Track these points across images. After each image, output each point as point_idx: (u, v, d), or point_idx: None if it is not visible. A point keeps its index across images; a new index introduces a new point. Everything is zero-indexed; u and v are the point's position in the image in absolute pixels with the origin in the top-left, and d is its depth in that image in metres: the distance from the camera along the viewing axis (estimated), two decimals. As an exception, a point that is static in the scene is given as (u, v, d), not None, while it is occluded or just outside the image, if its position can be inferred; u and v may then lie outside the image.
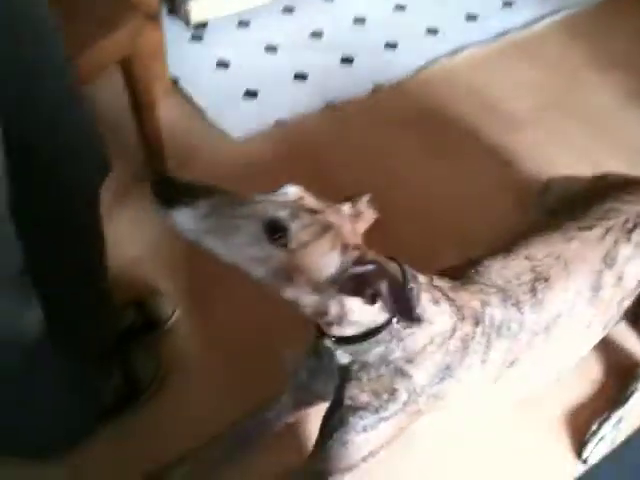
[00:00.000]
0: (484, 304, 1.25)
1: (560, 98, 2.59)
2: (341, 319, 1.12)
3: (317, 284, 1.06)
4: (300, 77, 2.61)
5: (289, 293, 1.08)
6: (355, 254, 1.04)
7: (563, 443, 1.63)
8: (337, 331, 1.15)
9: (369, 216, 1.19)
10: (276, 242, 1.01)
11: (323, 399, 1.38)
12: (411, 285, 1.12)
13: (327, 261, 1.04)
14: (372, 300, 1.02)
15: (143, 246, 2.00)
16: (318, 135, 2.40)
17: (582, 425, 1.64)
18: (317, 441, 1.33)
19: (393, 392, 1.20)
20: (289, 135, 2.39)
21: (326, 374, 1.30)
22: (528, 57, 2.74)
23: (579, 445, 1.61)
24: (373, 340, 1.14)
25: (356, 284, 1.02)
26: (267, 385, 1.54)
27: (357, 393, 1.21)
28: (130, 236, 2.01)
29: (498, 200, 2.19)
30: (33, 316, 1.23)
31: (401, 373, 1.19)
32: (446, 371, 1.23)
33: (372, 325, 1.13)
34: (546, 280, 1.32)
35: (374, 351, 1.16)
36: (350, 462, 1.32)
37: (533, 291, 1.30)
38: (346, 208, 1.15)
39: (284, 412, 1.53)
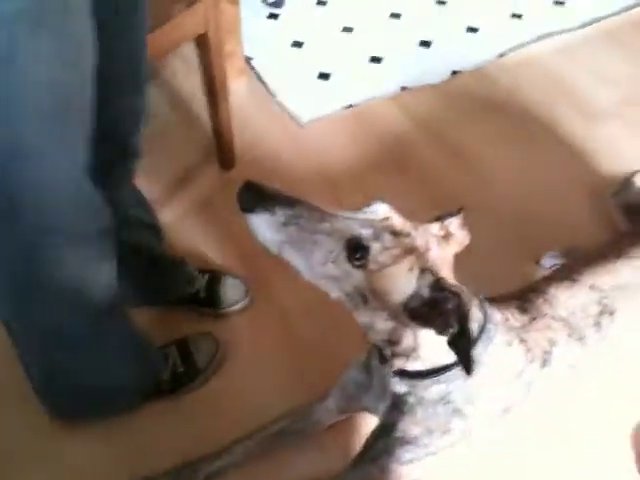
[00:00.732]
0: (552, 344, 1.21)
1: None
2: (411, 352, 1.07)
3: (391, 308, 1.01)
4: (375, 60, 2.54)
5: (364, 316, 1.04)
6: (432, 278, 0.98)
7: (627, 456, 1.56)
8: (401, 364, 1.11)
9: (461, 238, 1.11)
10: (355, 262, 0.97)
11: (369, 412, 1.35)
12: (489, 325, 1.08)
13: (402, 284, 0.98)
14: (442, 330, 0.95)
15: (212, 229, 2.00)
16: (391, 121, 2.34)
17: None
18: (356, 460, 1.30)
19: (447, 432, 1.17)
20: (361, 120, 2.34)
21: (375, 393, 1.27)
22: (619, 47, 2.60)
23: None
24: (435, 379, 1.09)
25: (428, 311, 0.97)
26: (322, 381, 1.52)
27: (409, 427, 1.17)
28: (197, 216, 2.02)
29: (570, 194, 2.10)
30: (109, 273, 1.25)
31: (459, 414, 1.14)
32: (504, 413, 1.20)
33: (439, 364, 1.08)
34: (611, 314, 1.26)
35: (434, 389, 1.11)
36: None
37: (597, 325, 1.25)
38: (435, 229, 1.08)
39: (327, 416, 1.50)
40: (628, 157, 2.17)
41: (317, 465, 1.48)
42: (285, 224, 0.97)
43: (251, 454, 1.48)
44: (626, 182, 1.84)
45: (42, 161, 0.98)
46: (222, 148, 2.10)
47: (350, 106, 2.37)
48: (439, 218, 1.11)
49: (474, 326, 1.07)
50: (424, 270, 0.98)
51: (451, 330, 0.93)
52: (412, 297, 0.98)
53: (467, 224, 1.12)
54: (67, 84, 0.95)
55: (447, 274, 1.02)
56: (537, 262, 1.89)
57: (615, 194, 1.86)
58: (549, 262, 1.87)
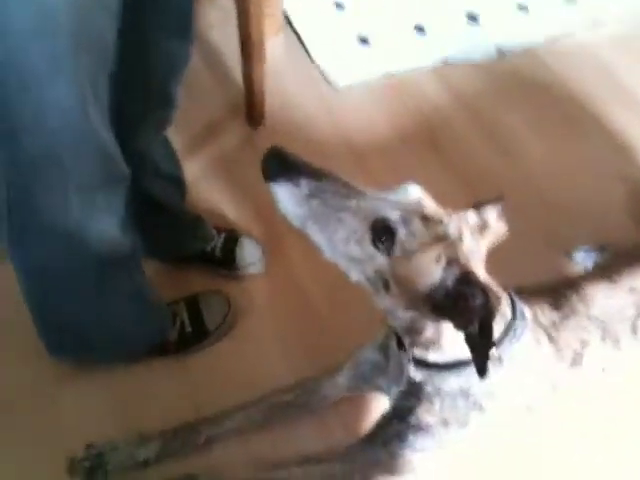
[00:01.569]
0: (584, 345, 1.16)
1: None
2: (432, 343, 1.03)
3: (413, 298, 0.95)
4: (419, 29, 2.44)
5: (385, 302, 0.99)
6: (459, 271, 0.92)
7: None
8: (421, 353, 1.07)
9: (499, 230, 1.05)
10: (380, 245, 0.92)
11: (381, 393, 1.31)
12: (517, 322, 1.04)
13: (427, 275, 0.92)
14: (463, 327, 0.90)
15: (234, 187, 1.93)
16: (430, 94, 2.25)
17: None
18: (365, 441, 1.26)
19: (463, 424, 1.12)
20: (398, 90, 2.25)
21: (391, 375, 1.22)
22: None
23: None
24: (455, 371, 1.05)
25: (452, 305, 0.91)
26: (332, 356, 1.47)
27: (425, 415, 1.13)
28: (220, 172, 1.96)
29: (608, 188, 2.01)
30: (115, 227, 1.20)
31: (478, 408, 1.10)
32: (527, 411, 1.16)
33: (460, 358, 1.03)
34: None
35: (453, 381, 1.07)
36: (392, 473, 1.27)
37: (634, 330, 1.20)
38: (471, 218, 1.02)
39: (335, 392, 1.46)
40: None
41: (318, 441, 1.43)
42: (309, 197, 0.92)
43: (253, 422, 1.43)
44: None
45: (43, 93, 0.91)
46: (252, 105, 2.02)
47: (389, 74, 2.28)
48: (477, 205, 1.04)
49: (500, 323, 1.02)
50: (452, 261, 0.92)
51: (471, 328, 0.88)
52: (436, 289, 0.92)
53: (506, 215, 1.06)
54: (79, 9, 0.87)
55: (477, 268, 0.96)
56: (567, 253, 1.81)
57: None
58: (581, 257, 1.79)
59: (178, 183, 1.64)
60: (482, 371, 0.88)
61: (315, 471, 1.31)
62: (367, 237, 0.91)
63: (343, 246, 0.93)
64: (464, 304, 0.89)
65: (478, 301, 0.88)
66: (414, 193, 0.96)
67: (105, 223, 1.16)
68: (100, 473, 1.36)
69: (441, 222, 0.93)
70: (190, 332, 1.56)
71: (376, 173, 1.96)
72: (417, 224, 0.91)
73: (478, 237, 1.00)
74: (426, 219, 0.92)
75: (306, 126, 2.08)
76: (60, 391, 1.50)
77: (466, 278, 0.91)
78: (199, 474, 1.34)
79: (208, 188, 1.92)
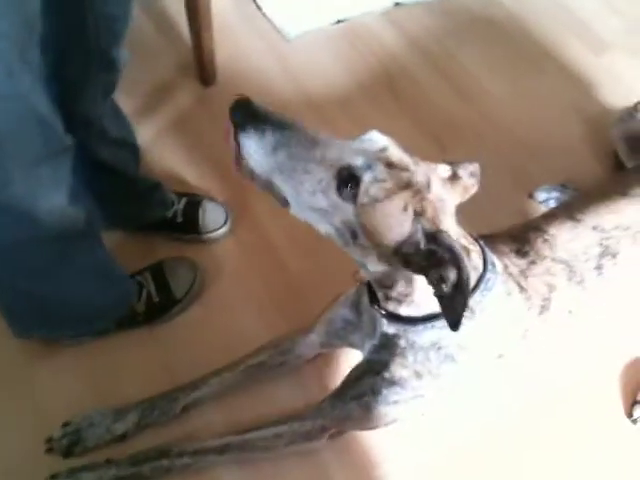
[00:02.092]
0: (551, 289, 1.17)
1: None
2: (404, 297, 1.03)
3: (382, 249, 0.94)
4: (368, -28, 2.37)
5: (355, 253, 0.98)
6: (429, 226, 0.91)
7: (615, 399, 1.54)
8: (393, 307, 1.06)
9: (469, 184, 1.04)
10: (345, 193, 0.90)
11: (355, 348, 1.31)
12: (488, 275, 1.04)
13: (394, 224, 0.91)
14: (436, 284, 0.89)
15: (191, 149, 1.88)
16: (383, 39, 2.21)
17: (637, 384, 1.54)
18: (336, 395, 1.27)
19: (436, 376, 1.13)
20: (351, 37, 2.21)
21: (364, 331, 1.22)
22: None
23: (631, 403, 1.52)
24: (429, 325, 1.05)
25: (423, 261, 0.91)
26: (305, 313, 1.46)
27: (399, 369, 1.13)
28: (175, 134, 1.90)
29: (570, 125, 2.02)
30: (63, 199, 1.14)
31: (451, 360, 1.11)
32: (498, 359, 1.17)
33: (434, 311, 1.03)
34: (614, 256, 1.21)
35: (427, 334, 1.07)
36: (366, 426, 1.30)
37: (599, 269, 1.20)
38: (443, 170, 1.01)
39: (309, 350, 1.45)
40: (631, 88, 2.09)
41: (296, 398, 1.44)
42: (275, 148, 0.90)
43: (229, 386, 1.43)
44: (629, 112, 1.75)
45: None
46: (202, 64, 1.96)
47: (340, 21, 2.23)
48: (451, 162, 1.04)
49: (472, 276, 1.01)
50: (420, 213, 0.91)
51: (443, 286, 0.88)
52: (405, 242, 0.92)
53: (480, 177, 1.05)
54: None
55: (446, 219, 0.95)
56: (530, 196, 1.82)
57: (617, 124, 1.78)
58: (543, 196, 1.80)
59: (131, 148, 1.59)
60: (456, 325, 0.88)
61: (286, 430, 1.32)
62: (332, 186, 0.90)
63: (309, 197, 0.92)
64: (436, 262, 0.89)
65: (448, 257, 0.87)
66: (379, 140, 0.94)
67: (53, 196, 1.12)
68: (78, 449, 1.35)
69: (407, 169, 0.92)
70: (158, 301, 1.53)
71: (336, 123, 1.93)
72: (381, 170, 0.90)
73: (448, 188, 0.99)
74: (391, 165, 0.91)
75: (260, 80, 2.02)
76: (32, 372, 1.48)
77: (436, 236, 0.90)
78: (172, 445, 1.33)
79: (164, 152, 1.86)
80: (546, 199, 1.79)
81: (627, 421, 1.51)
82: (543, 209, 1.74)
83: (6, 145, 0.97)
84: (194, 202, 1.69)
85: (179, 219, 1.66)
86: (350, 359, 1.46)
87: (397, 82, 2.09)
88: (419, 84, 2.09)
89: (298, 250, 1.69)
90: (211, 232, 1.68)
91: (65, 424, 1.37)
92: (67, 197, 1.15)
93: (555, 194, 1.79)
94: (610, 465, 1.45)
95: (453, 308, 0.88)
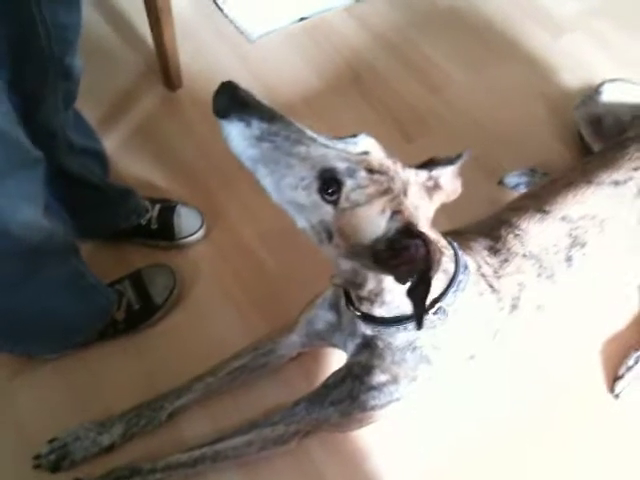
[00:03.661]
0: (521, 288, 1.19)
1: (613, 4, 2.35)
2: (375, 297, 1.04)
3: (355, 249, 0.95)
4: (327, -31, 2.37)
5: (328, 252, 0.98)
6: (402, 222, 0.92)
7: (597, 375, 1.56)
8: (367, 308, 1.08)
9: (450, 191, 1.05)
10: (327, 196, 0.90)
11: (337, 348, 1.32)
12: (460, 276, 1.06)
13: (370, 227, 0.92)
14: (403, 279, 0.90)
15: (161, 155, 1.87)
16: (346, 34, 2.22)
17: (618, 359, 1.56)
18: (313, 399, 1.27)
19: (413, 379, 1.15)
20: (314, 34, 2.21)
21: (345, 332, 1.23)
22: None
23: (613, 379, 1.54)
24: (402, 326, 1.07)
25: (392, 256, 0.91)
26: (284, 313, 1.47)
27: (377, 372, 1.15)
28: (143, 141, 1.89)
29: (533, 111, 2.04)
30: (33, 213, 1.13)
31: (426, 360, 1.13)
32: (469, 360, 1.19)
33: (405, 312, 1.05)
34: (582, 246, 1.24)
35: (401, 335, 1.09)
36: (341, 430, 1.32)
37: (569, 260, 1.23)
38: (422, 176, 1.01)
39: (291, 350, 1.46)
40: (592, 70, 2.12)
41: (283, 397, 1.43)
42: (259, 139, 0.88)
43: (214, 390, 1.43)
44: (590, 95, 1.78)
45: None
46: (166, 67, 1.95)
47: (302, 19, 2.23)
48: (433, 162, 1.05)
49: (443, 278, 1.04)
50: (396, 213, 0.92)
51: (411, 281, 0.89)
52: (379, 240, 0.93)
53: (462, 174, 1.06)
54: None
55: (421, 223, 0.96)
56: (500, 182, 1.84)
57: (579, 107, 1.80)
58: (513, 181, 1.82)
59: (98, 157, 1.58)
60: (419, 324, 0.89)
61: (257, 437, 1.30)
62: (314, 186, 0.90)
63: (290, 192, 0.92)
64: (404, 255, 0.89)
65: (419, 252, 0.88)
66: (363, 144, 0.94)
67: (25, 210, 1.10)
68: (66, 463, 1.34)
69: (387, 174, 0.92)
70: (138, 309, 1.53)
71: (303, 121, 1.91)
72: (363, 175, 0.90)
73: (424, 196, 1.00)
74: (372, 171, 0.91)
75: (223, 78, 2.01)
76: (13, 388, 1.46)
77: (407, 229, 0.91)
78: (143, 463, 1.31)
79: (134, 158, 1.85)
80: (516, 184, 1.81)
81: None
82: (514, 195, 1.77)
83: None
84: (168, 208, 1.69)
85: (154, 226, 1.65)
86: (334, 356, 1.47)
87: (362, 76, 2.10)
88: (384, 77, 2.10)
89: (274, 250, 1.70)
90: (187, 237, 1.67)
91: (51, 440, 1.36)
92: (40, 211, 1.14)
93: (525, 179, 1.81)
94: (600, 445, 1.47)
95: (417, 299, 0.88)
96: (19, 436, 1.40)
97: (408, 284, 0.89)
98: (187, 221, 1.68)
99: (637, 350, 1.55)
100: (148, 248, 1.67)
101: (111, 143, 1.85)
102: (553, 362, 1.55)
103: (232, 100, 0.87)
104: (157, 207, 1.68)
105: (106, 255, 1.66)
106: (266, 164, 0.90)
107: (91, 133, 1.55)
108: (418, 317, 0.89)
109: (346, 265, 1.00)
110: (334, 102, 2.02)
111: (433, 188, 1.02)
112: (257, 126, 0.87)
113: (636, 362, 1.54)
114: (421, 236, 0.89)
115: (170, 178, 1.82)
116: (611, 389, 1.53)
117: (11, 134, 1.01)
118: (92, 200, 1.54)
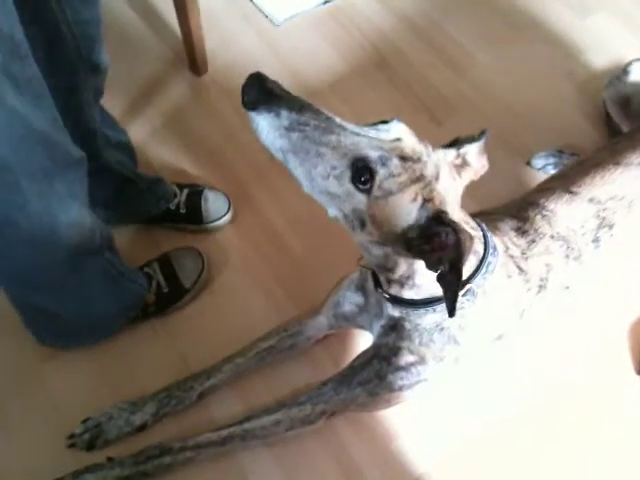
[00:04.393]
0: (549, 269, 1.19)
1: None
2: (406, 280, 1.05)
3: (388, 236, 0.95)
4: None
5: (360, 238, 0.99)
6: (433, 210, 0.92)
7: (623, 356, 1.56)
8: (396, 291, 1.08)
9: (478, 168, 1.05)
10: (359, 185, 0.90)
11: (363, 329, 1.33)
12: (490, 258, 1.06)
13: (403, 214, 0.92)
14: (434, 266, 0.91)
15: (188, 141, 1.89)
16: (372, 17, 2.20)
17: (646, 341, 1.56)
18: (340, 380, 1.28)
19: (440, 359, 1.16)
20: (340, 18, 2.20)
21: (372, 313, 1.24)
22: None
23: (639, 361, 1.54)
24: (431, 308, 1.08)
25: (424, 243, 0.92)
26: (311, 293, 1.49)
27: (404, 353, 1.16)
28: (170, 127, 1.91)
29: (561, 92, 2.02)
30: (78, 210, 1.15)
31: (453, 341, 1.13)
32: (497, 340, 1.19)
33: (435, 294, 1.06)
34: (610, 227, 1.23)
35: (429, 317, 1.10)
36: (369, 410, 1.33)
37: (596, 241, 1.23)
38: (451, 155, 1.02)
39: (319, 331, 1.47)
40: (618, 50, 2.09)
41: (310, 378, 1.46)
42: (289, 129, 0.88)
43: (243, 371, 1.45)
44: (618, 75, 1.75)
45: None
46: (192, 53, 1.96)
47: (326, 2, 2.22)
48: (459, 141, 1.05)
49: (473, 259, 1.04)
50: (427, 201, 0.92)
51: (442, 268, 0.89)
52: (411, 228, 0.93)
53: (487, 149, 1.06)
54: None
55: (452, 207, 0.97)
56: (527, 163, 1.83)
57: (607, 88, 1.78)
58: (540, 163, 1.81)
59: (127, 148, 1.61)
60: (451, 310, 0.89)
61: (285, 416, 1.32)
62: (346, 175, 0.90)
63: (322, 181, 0.92)
64: (436, 243, 0.90)
65: (450, 240, 0.88)
66: (395, 130, 0.94)
67: (72, 211, 1.12)
68: (100, 442, 1.38)
69: (419, 160, 0.92)
70: (167, 292, 1.55)
71: (329, 105, 1.89)
72: (395, 164, 0.90)
73: (455, 176, 1.00)
74: (404, 158, 0.91)
75: (251, 66, 1.95)
76: (46, 371, 1.49)
77: (439, 217, 0.91)
78: (174, 442, 1.34)
79: (162, 145, 1.87)
80: (544, 165, 1.80)
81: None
82: (542, 176, 1.75)
83: (14, 166, 0.97)
84: (196, 192, 1.70)
85: (182, 210, 1.67)
86: (361, 337, 1.49)
87: (387, 59, 2.09)
88: (409, 59, 2.09)
89: (301, 234, 1.71)
90: (214, 221, 1.69)
91: (85, 420, 1.40)
92: (85, 208, 1.17)
93: (552, 160, 1.79)
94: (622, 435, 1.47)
95: (448, 288, 0.89)
96: (54, 417, 1.43)
97: (439, 271, 0.90)
98: (215, 205, 1.70)
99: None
100: (177, 232, 1.69)
101: (139, 130, 1.87)
102: (579, 343, 1.55)
103: (260, 92, 0.87)
104: (185, 192, 1.70)
105: (136, 239, 1.69)
106: (297, 154, 0.90)
107: (116, 125, 1.57)
108: (450, 304, 0.89)
109: (378, 251, 1.01)
110: (360, 85, 2.01)
111: (461, 166, 1.03)
112: (286, 116, 0.87)
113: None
114: (452, 225, 0.89)
115: (198, 163, 1.84)
116: (638, 371, 1.53)
117: (56, 138, 1.03)
118: (125, 192, 1.57)
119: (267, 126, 0.88)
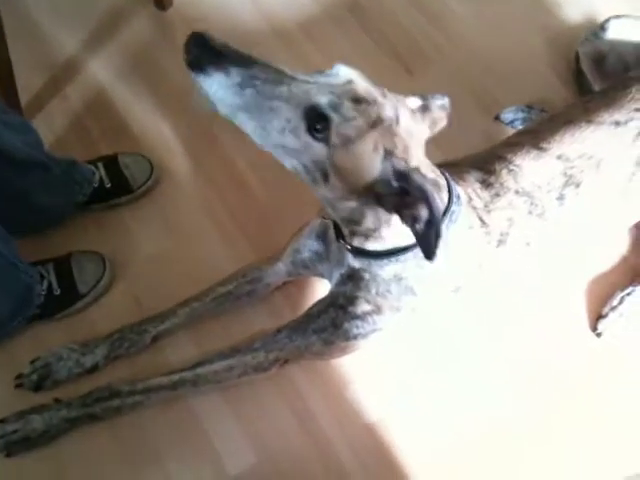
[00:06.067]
0: (511, 224, 1.18)
1: None
2: (372, 232, 1.03)
3: (353, 189, 0.93)
4: None
5: (324, 192, 0.97)
6: (401, 165, 0.90)
7: (580, 313, 1.57)
8: (359, 242, 1.07)
9: (439, 120, 1.03)
10: (316, 134, 0.88)
11: (322, 277, 1.32)
12: (453, 208, 1.05)
13: (366, 165, 0.90)
14: (411, 222, 0.90)
15: (151, 79, 1.82)
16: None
17: (602, 298, 1.57)
18: (295, 327, 1.28)
19: (397, 309, 1.15)
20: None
21: (332, 261, 1.23)
22: None
23: (596, 318, 1.55)
24: (393, 258, 1.06)
25: (398, 201, 0.91)
26: (271, 240, 1.48)
27: (361, 302, 1.15)
28: (134, 65, 1.84)
29: (535, 47, 1.98)
30: None
31: (410, 292, 1.12)
32: (454, 292, 1.19)
33: (398, 245, 1.05)
34: (577, 186, 1.22)
35: (390, 268, 1.08)
36: (322, 358, 1.33)
37: (561, 199, 1.21)
38: (413, 102, 1.00)
39: (277, 278, 1.45)
40: (594, 6, 2.04)
41: (267, 325, 1.44)
42: (241, 86, 0.85)
43: (199, 316, 1.43)
44: (594, 31, 1.73)
45: None
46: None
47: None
48: (420, 96, 1.03)
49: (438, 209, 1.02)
50: (390, 152, 0.90)
51: (417, 225, 0.89)
52: (377, 181, 0.92)
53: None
54: None
55: (416, 154, 0.95)
56: (496, 117, 1.81)
57: (583, 44, 1.75)
58: (509, 117, 1.79)
59: (30, 135, 1.41)
60: (430, 257, 0.89)
61: (237, 362, 1.31)
62: (302, 126, 0.88)
63: (279, 136, 0.89)
64: (408, 202, 0.89)
65: (420, 200, 0.88)
66: (344, 73, 0.91)
67: None
68: (49, 383, 1.35)
69: (375, 102, 0.90)
70: (58, 295, 1.43)
71: (300, 49, 1.87)
72: (348, 106, 0.87)
73: (417, 119, 0.98)
74: (358, 101, 0.88)
75: (220, 2, 1.94)
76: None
77: (406, 175, 0.90)
78: (123, 384, 1.32)
79: (124, 84, 1.80)
80: (512, 120, 1.78)
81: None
82: (510, 130, 1.73)
83: None
84: (112, 162, 1.60)
85: (107, 185, 1.56)
86: (320, 286, 1.48)
87: (362, 5, 2.02)
88: (384, 6, 2.02)
89: (265, 181, 1.67)
90: (145, 184, 1.61)
91: (34, 360, 1.37)
92: None
93: (521, 115, 1.77)
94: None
95: (428, 243, 0.89)
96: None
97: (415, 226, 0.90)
98: (137, 168, 1.60)
99: (622, 290, 1.56)
100: (113, 209, 1.59)
101: (99, 67, 1.81)
102: (537, 302, 1.55)
103: (205, 51, 0.83)
104: (100, 165, 1.58)
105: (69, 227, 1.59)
106: (249, 111, 0.88)
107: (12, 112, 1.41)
108: (430, 253, 0.89)
109: (343, 204, 0.98)
110: (332, 30, 1.94)
111: (424, 112, 1.01)
112: (237, 74, 0.84)
113: (620, 302, 1.54)
114: (421, 181, 0.89)
115: (162, 103, 1.78)
116: (594, 328, 1.54)
117: None
118: (41, 184, 1.43)
119: (215, 83, 0.85)
